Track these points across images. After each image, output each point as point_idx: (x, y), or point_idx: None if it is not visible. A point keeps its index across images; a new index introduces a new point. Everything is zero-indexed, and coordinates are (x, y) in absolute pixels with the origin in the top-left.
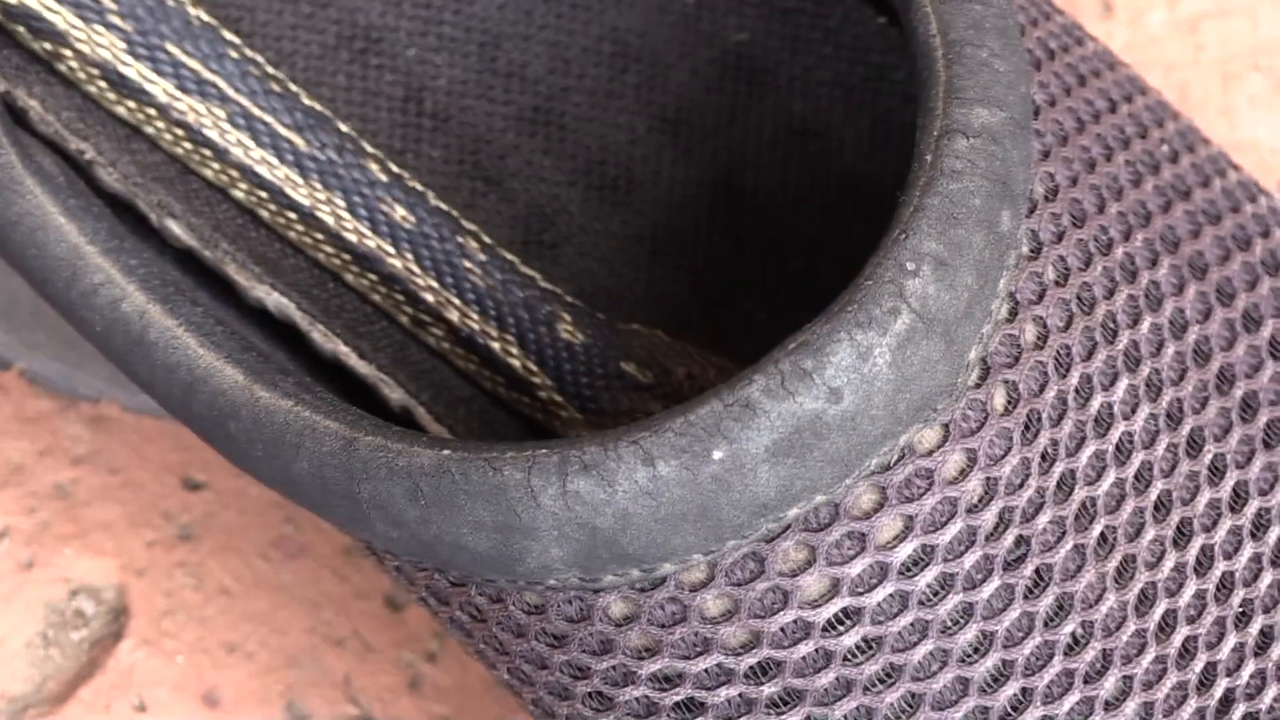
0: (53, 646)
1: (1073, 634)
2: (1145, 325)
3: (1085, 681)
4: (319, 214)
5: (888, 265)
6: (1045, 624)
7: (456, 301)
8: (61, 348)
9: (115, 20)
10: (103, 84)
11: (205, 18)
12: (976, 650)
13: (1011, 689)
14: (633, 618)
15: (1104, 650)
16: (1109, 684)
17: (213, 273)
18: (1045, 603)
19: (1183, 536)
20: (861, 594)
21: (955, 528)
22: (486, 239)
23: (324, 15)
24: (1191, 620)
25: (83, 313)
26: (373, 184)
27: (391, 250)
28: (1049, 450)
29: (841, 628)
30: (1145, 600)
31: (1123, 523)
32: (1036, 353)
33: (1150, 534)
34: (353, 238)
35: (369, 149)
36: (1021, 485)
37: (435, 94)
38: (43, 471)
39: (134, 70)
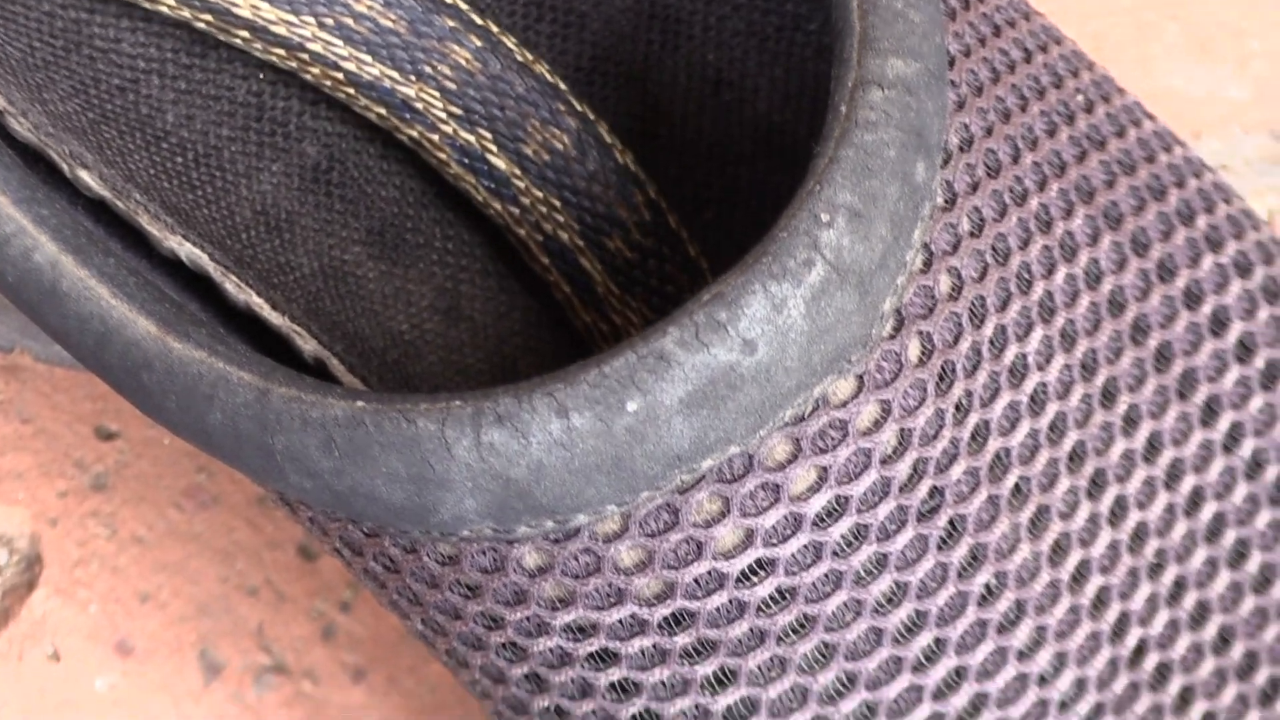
0: None
1: (986, 585)
2: (1060, 276)
3: (999, 632)
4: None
5: (802, 217)
6: (959, 575)
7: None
8: None
9: None
10: None
11: None
12: (890, 601)
13: (925, 639)
14: (546, 568)
15: (1017, 601)
16: (1022, 634)
17: (125, 223)
18: (959, 554)
19: (1096, 488)
20: (775, 545)
21: (869, 479)
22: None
23: None
24: (1105, 570)
25: None
26: None
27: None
28: (963, 401)
29: (755, 579)
30: (1059, 551)
31: (1036, 474)
32: (951, 304)
33: (1064, 485)
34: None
35: None
36: (936, 436)
37: None
38: None
39: None
